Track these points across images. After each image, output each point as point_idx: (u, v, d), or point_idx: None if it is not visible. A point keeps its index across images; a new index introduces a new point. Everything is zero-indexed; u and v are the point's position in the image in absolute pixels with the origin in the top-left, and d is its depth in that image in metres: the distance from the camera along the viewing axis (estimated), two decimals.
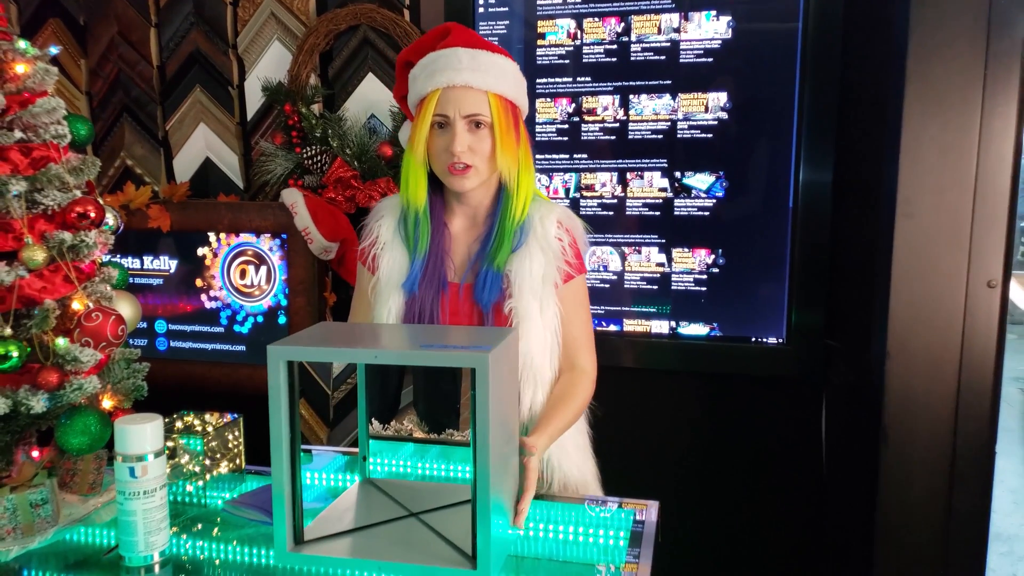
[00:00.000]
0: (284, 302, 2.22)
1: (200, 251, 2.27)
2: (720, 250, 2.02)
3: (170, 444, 1.29)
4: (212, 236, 2.25)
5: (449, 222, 1.41)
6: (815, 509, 2.03)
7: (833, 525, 1.95)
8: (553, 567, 1.07)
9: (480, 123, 1.30)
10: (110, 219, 1.32)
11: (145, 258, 2.31)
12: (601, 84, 2.03)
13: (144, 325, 2.33)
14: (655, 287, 2.08)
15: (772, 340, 2.02)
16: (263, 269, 2.23)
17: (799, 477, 2.05)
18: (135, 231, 2.27)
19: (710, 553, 2.13)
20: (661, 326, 2.09)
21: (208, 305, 2.28)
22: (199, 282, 2.28)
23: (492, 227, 1.37)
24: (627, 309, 2.10)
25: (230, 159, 2.35)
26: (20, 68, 1.21)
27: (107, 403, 1.25)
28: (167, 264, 2.31)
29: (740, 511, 2.10)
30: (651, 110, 2.01)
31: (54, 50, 1.28)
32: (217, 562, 1.08)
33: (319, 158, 2.12)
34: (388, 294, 1.38)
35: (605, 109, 2.04)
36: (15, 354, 1.14)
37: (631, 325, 2.10)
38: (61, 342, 1.17)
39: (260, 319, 2.25)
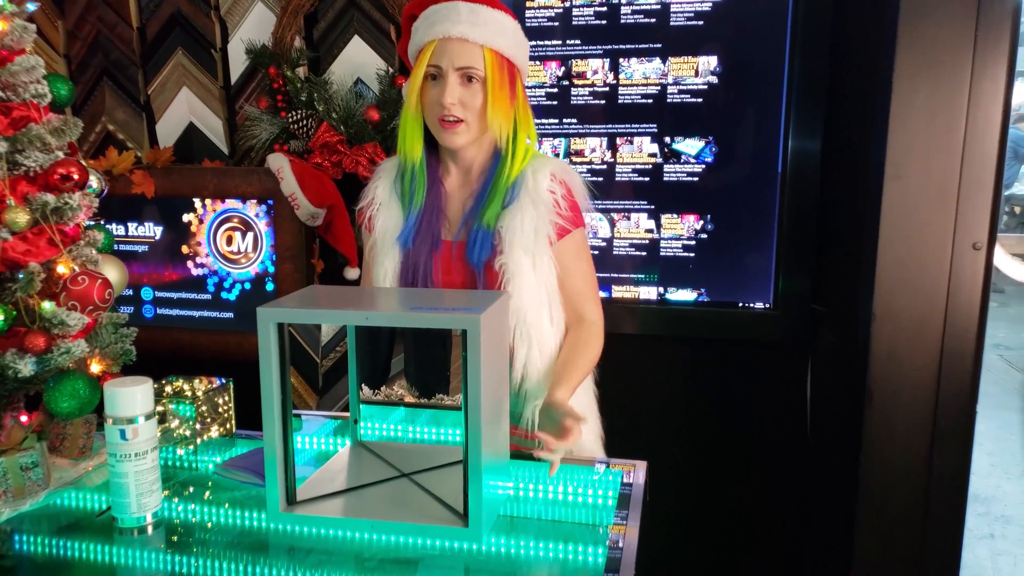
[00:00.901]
0: (271, 269, 2.20)
1: (185, 217, 2.24)
2: (709, 216, 2.03)
3: (160, 409, 1.29)
4: (197, 202, 2.22)
5: (444, 179, 1.40)
6: (799, 470, 2.06)
7: (817, 485, 1.98)
8: (542, 526, 1.08)
9: (473, 77, 1.28)
10: (94, 182, 1.31)
11: (129, 225, 2.29)
12: (591, 47, 2.02)
13: (130, 292, 2.31)
14: (644, 253, 2.08)
15: (759, 305, 2.04)
16: (249, 235, 2.21)
17: (784, 439, 2.07)
18: (118, 197, 2.24)
19: (696, 513, 2.16)
20: (649, 292, 2.09)
21: (195, 272, 2.26)
22: (185, 249, 2.26)
23: (486, 185, 1.36)
24: (616, 275, 2.10)
25: (214, 124, 2.32)
26: None
27: (95, 367, 1.25)
28: (152, 231, 2.28)
29: (726, 472, 2.13)
30: (641, 74, 2.00)
31: (32, 6, 1.25)
32: (209, 524, 1.09)
33: (305, 122, 2.10)
34: (385, 252, 1.38)
35: (595, 73, 2.02)
36: (0, 317, 1.13)
37: (620, 291, 2.11)
38: (47, 306, 1.16)
39: (247, 286, 2.23)
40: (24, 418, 1.22)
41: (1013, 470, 3.63)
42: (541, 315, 1.34)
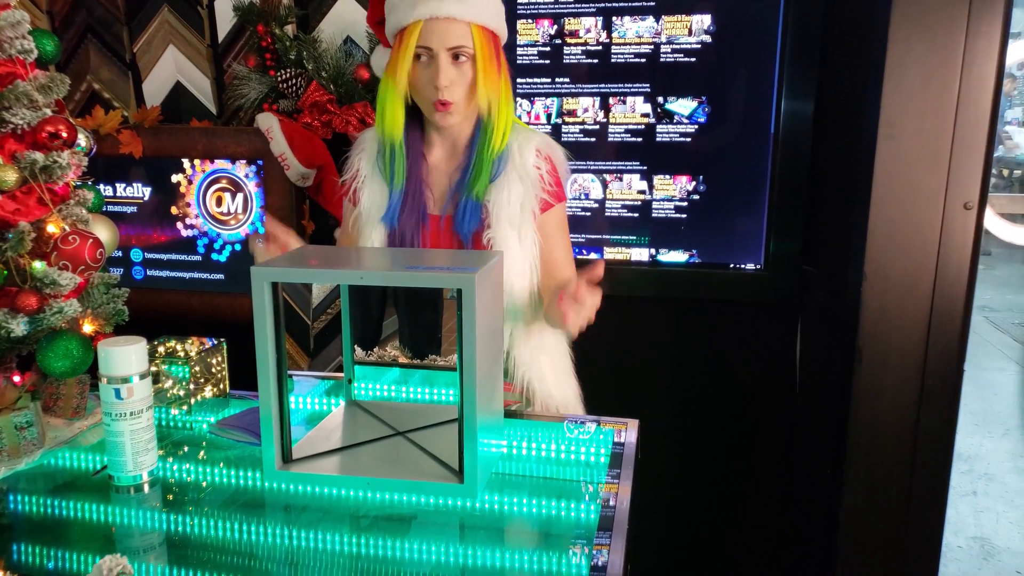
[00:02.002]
0: (262, 230, 2.19)
1: (174, 178, 2.22)
2: (701, 177, 2.02)
3: (153, 370, 1.29)
4: (186, 163, 2.20)
5: (428, 153, 1.40)
6: (788, 429, 2.09)
7: (805, 444, 2.01)
8: (535, 484, 1.09)
9: (462, 55, 1.27)
10: (82, 140, 1.29)
11: (118, 185, 2.26)
12: (584, 5, 1.99)
13: (119, 254, 2.30)
14: (636, 214, 2.08)
15: (750, 266, 2.04)
16: (239, 196, 2.19)
17: (774, 398, 2.10)
18: (106, 157, 2.21)
19: (686, 472, 2.19)
20: (641, 253, 2.10)
21: (185, 233, 2.25)
22: (174, 210, 2.24)
23: (471, 157, 1.36)
24: (607, 237, 2.10)
25: (202, 83, 2.28)
26: None
27: (88, 327, 1.24)
28: (140, 192, 2.26)
29: (716, 432, 2.16)
30: (634, 33, 1.98)
31: None
32: (205, 483, 1.10)
33: (294, 81, 2.07)
34: (370, 228, 1.39)
35: (588, 31, 2.00)
36: None
37: (611, 253, 2.11)
38: (38, 265, 1.15)
39: (238, 247, 2.22)
40: (17, 378, 1.22)
41: (996, 429, 3.70)
42: (525, 287, 1.37)
